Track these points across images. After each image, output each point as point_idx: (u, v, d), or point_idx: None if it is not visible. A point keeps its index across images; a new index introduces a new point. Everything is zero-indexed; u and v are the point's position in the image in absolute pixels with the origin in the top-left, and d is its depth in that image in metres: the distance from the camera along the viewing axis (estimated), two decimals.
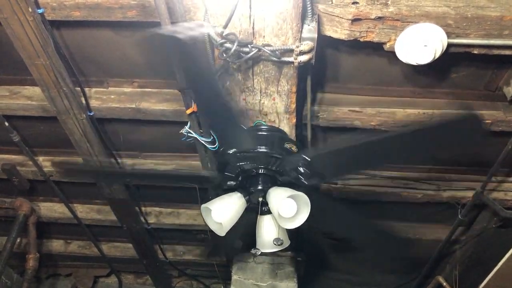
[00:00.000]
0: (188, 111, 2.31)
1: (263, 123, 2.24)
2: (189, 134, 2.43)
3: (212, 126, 2.19)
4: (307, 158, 1.92)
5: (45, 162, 3.23)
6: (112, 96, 2.56)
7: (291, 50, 1.81)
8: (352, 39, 1.92)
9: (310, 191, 1.90)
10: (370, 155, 1.84)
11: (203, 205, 1.96)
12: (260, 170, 2.07)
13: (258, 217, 2.13)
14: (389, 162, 2.24)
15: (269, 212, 2.09)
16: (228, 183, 2.12)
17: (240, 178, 2.09)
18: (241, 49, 1.79)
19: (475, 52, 1.95)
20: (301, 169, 1.96)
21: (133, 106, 2.52)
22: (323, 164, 1.96)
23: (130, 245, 4.20)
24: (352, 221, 2.30)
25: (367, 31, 1.89)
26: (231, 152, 2.10)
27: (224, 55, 1.82)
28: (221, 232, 1.99)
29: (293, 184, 2.01)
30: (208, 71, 1.65)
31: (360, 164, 2.01)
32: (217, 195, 2.17)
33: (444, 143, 1.69)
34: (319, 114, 2.48)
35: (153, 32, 1.48)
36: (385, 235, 2.32)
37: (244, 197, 2.05)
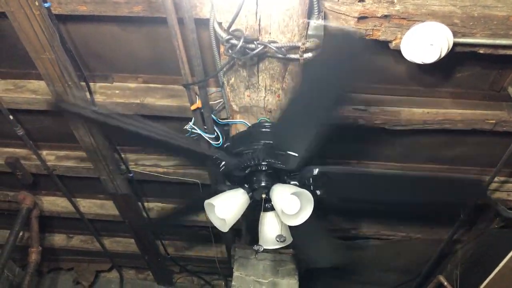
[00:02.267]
0: (193, 107, 2.32)
1: (268, 120, 2.24)
2: (193, 130, 2.43)
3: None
4: (322, 171, 1.94)
5: (49, 156, 3.24)
6: (117, 91, 2.56)
7: (297, 47, 1.81)
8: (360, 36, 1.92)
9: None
10: (382, 189, 1.88)
11: (206, 201, 1.96)
12: (263, 167, 2.07)
13: (261, 213, 2.13)
14: (396, 200, 2.23)
15: (272, 208, 2.09)
16: (235, 173, 2.10)
17: (246, 172, 2.09)
18: (247, 45, 1.80)
19: (481, 51, 1.94)
20: (311, 180, 1.98)
21: (138, 101, 2.52)
22: (335, 182, 1.97)
23: (132, 240, 4.21)
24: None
25: (373, 29, 1.89)
26: (235, 148, 2.12)
27: (230, 51, 1.83)
28: (224, 228, 1.99)
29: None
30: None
31: (369, 194, 2.04)
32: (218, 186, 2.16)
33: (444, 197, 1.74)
34: None
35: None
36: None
37: (248, 193, 2.05)
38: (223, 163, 2.06)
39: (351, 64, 1.50)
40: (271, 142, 2.07)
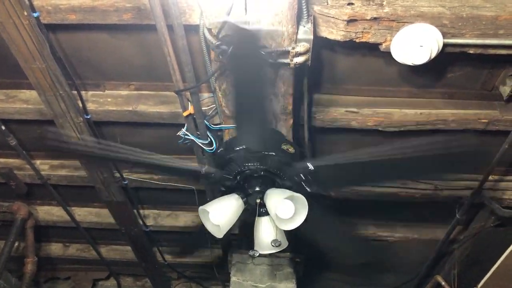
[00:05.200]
0: (185, 113, 2.31)
1: None
2: (186, 136, 2.43)
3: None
4: (311, 166, 1.93)
5: (43, 165, 3.23)
6: (109, 99, 2.56)
7: (287, 52, 1.81)
8: (348, 40, 1.92)
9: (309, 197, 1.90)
10: (375, 169, 1.87)
11: (200, 207, 1.96)
12: (257, 172, 2.07)
13: (256, 218, 2.13)
14: (394, 176, 2.22)
15: (267, 213, 2.09)
16: (227, 182, 2.11)
17: (237, 179, 2.09)
18: None
19: (471, 51, 1.95)
20: (303, 176, 1.97)
21: (130, 108, 2.52)
22: (326, 174, 1.97)
23: (129, 247, 4.19)
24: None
25: (362, 31, 1.89)
26: (229, 153, 2.11)
27: (221, 57, 1.83)
28: (219, 234, 1.99)
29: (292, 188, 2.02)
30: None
31: (363, 178, 2.03)
32: (213, 193, 2.16)
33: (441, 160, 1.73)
34: (316, 115, 2.48)
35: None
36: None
37: (242, 198, 2.05)
38: (212, 175, 2.08)
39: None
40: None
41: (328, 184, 2.08)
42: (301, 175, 1.98)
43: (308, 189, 1.98)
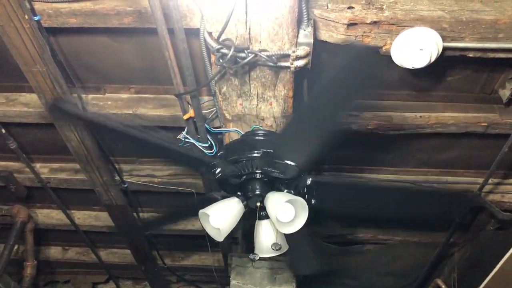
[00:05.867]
0: (185, 117, 2.32)
1: (260, 128, 2.24)
2: (186, 140, 2.43)
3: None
4: (315, 181, 1.94)
5: (42, 168, 3.23)
6: (109, 102, 2.56)
7: (288, 55, 1.82)
8: (348, 43, 1.93)
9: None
10: (375, 199, 1.89)
11: (201, 211, 1.96)
12: (257, 175, 2.07)
13: (256, 222, 2.13)
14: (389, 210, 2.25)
15: (267, 217, 2.09)
16: (228, 180, 2.10)
17: (239, 181, 2.08)
18: (238, 54, 1.80)
19: (470, 55, 1.95)
20: (306, 189, 1.98)
21: (130, 112, 2.52)
22: (328, 192, 1.98)
23: (128, 251, 4.19)
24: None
25: (362, 35, 1.90)
26: (229, 156, 2.11)
27: (221, 60, 1.83)
28: (219, 238, 1.99)
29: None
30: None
31: (361, 204, 2.06)
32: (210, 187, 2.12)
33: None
34: None
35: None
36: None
37: (242, 202, 2.05)
38: (219, 170, 2.06)
39: (359, 78, 1.52)
40: (268, 150, 2.07)
41: (328, 201, 2.10)
42: (305, 187, 2.00)
43: (311, 201, 2.00)
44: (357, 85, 1.58)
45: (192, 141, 2.42)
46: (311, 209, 1.85)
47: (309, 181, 1.99)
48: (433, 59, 1.86)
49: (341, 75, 1.57)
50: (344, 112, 1.73)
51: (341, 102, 1.66)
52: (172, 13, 1.81)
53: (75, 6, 1.96)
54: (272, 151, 2.03)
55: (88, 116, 1.95)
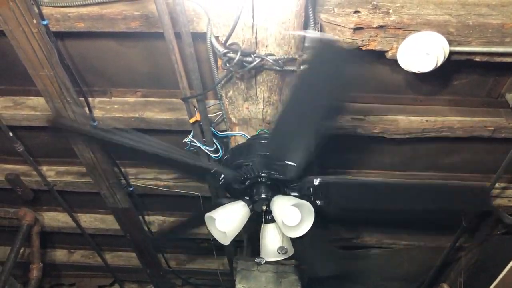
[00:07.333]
0: (191, 120, 2.32)
1: (267, 131, 2.25)
2: (192, 143, 2.44)
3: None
4: (321, 181, 1.94)
5: (49, 171, 3.24)
6: (116, 106, 2.57)
7: (294, 59, 1.82)
8: (354, 47, 1.93)
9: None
10: (384, 198, 1.88)
11: (206, 214, 1.96)
12: (263, 179, 2.07)
13: (262, 225, 2.12)
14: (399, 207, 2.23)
15: (273, 220, 2.08)
16: (234, 186, 2.10)
17: (244, 186, 2.08)
18: (244, 58, 1.81)
19: (477, 59, 1.95)
20: (311, 190, 1.97)
21: (137, 115, 2.53)
22: (335, 192, 1.97)
23: (134, 254, 4.19)
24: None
25: (369, 39, 1.90)
26: (235, 160, 2.11)
27: (228, 64, 1.84)
28: (225, 241, 1.98)
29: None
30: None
31: (370, 203, 2.04)
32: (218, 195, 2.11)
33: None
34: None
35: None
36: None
37: (248, 205, 2.05)
38: (222, 176, 2.06)
39: (339, 73, 1.51)
40: (266, 153, 2.07)
41: (335, 202, 2.08)
42: (311, 189, 1.99)
43: (317, 203, 1.99)
44: (330, 81, 1.55)
45: (198, 144, 2.42)
46: (319, 211, 1.84)
47: (315, 182, 1.98)
48: (439, 63, 1.86)
49: (310, 71, 1.56)
50: (325, 106, 1.69)
51: (317, 97, 1.62)
52: (179, 18, 1.82)
53: (83, 10, 1.97)
54: (268, 153, 2.03)
55: (91, 131, 1.96)
